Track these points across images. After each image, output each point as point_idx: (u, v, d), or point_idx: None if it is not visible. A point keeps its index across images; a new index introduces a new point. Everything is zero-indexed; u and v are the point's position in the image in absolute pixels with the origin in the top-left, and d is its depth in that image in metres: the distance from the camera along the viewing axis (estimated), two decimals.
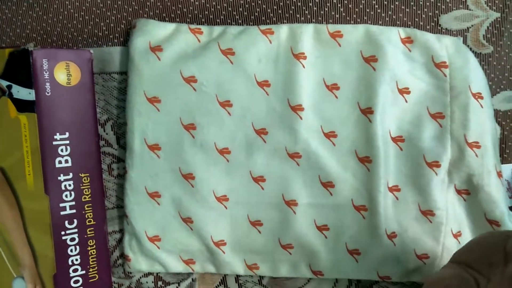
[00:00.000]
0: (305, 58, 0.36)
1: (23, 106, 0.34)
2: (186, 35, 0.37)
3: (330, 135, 0.36)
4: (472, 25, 0.37)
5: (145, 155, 0.37)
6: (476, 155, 0.35)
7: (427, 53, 0.35)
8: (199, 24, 0.38)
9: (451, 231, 0.36)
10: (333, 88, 0.36)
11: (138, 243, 0.38)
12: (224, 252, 0.37)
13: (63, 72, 0.35)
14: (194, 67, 0.36)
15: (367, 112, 0.35)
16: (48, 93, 0.34)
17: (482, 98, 0.35)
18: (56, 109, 0.35)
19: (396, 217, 0.36)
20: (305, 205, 0.37)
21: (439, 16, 0.37)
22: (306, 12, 0.38)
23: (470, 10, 0.37)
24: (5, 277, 0.37)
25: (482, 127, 0.35)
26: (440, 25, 0.37)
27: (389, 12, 0.38)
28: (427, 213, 0.36)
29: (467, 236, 0.37)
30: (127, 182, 0.37)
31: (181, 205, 0.37)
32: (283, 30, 0.36)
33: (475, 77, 0.35)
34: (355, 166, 0.36)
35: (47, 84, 0.34)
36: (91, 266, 0.37)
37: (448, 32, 0.37)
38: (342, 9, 0.38)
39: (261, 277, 0.40)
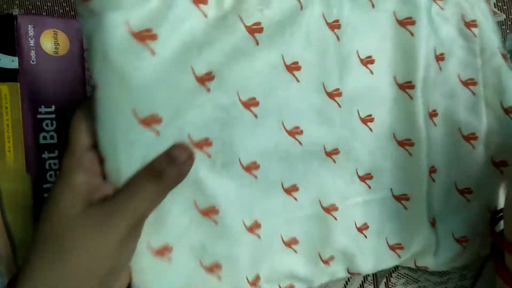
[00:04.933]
0: (339, 27, 0.29)
1: (5, 75, 0.31)
2: (186, 8, 0.24)
3: (367, 120, 0.31)
4: None
5: None
6: None
7: (458, 11, 0.32)
8: None
9: (487, 208, 0.33)
10: (368, 62, 0.30)
11: None
12: None
13: (50, 40, 0.32)
14: (210, 58, 0.25)
15: (406, 87, 0.30)
16: (33, 61, 0.31)
17: (506, 58, 0.32)
18: (42, 79, 0.32)
19: (435, 202, 0.32)
20: (346, 207, 0.31)
21: None
22: None
23: None
24: None
25: None
26: None
27: None
28: (465, 192, 0.32)
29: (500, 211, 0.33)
30: None
31: (204, 252, 0.27)
32: None
33: (499, 37, 0.32)
34: (395, 151, 0.31)
35: (32, 52, 0.31)
36: None
37: None
38: None
39: None
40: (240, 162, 0.27)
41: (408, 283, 0.35)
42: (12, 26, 0.31)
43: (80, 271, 0.23)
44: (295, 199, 0.29)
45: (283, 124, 0.28)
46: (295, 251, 0.30)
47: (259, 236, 0.29)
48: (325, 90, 0.29)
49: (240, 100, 0.27)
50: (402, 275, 0.35)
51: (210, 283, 0.28)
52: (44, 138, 0.32)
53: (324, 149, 0.30)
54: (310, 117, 0.29)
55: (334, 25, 0.29)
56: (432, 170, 0.31)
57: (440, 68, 0.31)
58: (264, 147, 0.28)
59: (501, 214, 0.31)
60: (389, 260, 0.32)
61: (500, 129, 0.32)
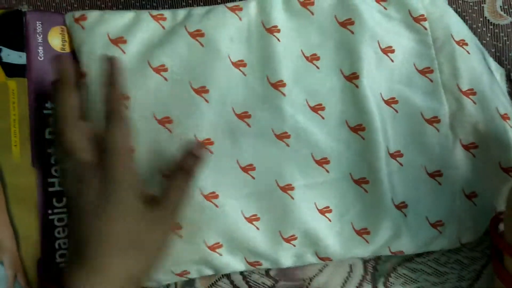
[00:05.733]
0: (278, 31, 0.34)
1: (12, 70, 0.31)
2: (149, 23, 0.34)
3: (317, 108, 0.34)
4: None
5: None
6: (474, 103, 0.33)
7: (403, 9, 0.34)
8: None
9: (463, 192, 0.34)
10: (313, 59, 0.34)
11: None
12: (221, 254, 0.33)
13: (57, 37, 0.33)
14: (162, 55, 0.33)
15: (352, 78, 0.34)
16: (40, 57, 0.32)
17: (466, 44, 0.34)
18: (49, 75, 0.32)
19: (403, 185, 0.34)
20: (302, 188, 0.33)
21: None
22: None
23: None
24: None
25: (474, 73, 0.33)
26: None
27: None
28: (435, 175, 0.33)
29: (483, 196, 0.34)
30: None
31: None
32: (251, 5, 0.34)
33: (456, 25, 0.34)
34: (348, 137, 0.34)
35: (40, 48, 0.32)
36: None
37: (465, 3, 0.36)
38: None
39: (268, 268, 0.36)
40: (195, 138, 0.33)
41: (406, 283, 0.36)
42: (20, 22, 0.32)
43: (149, 258, 0.29)
44: (252, 177, 0.33)
45: (232, 109, 0.33)
46: (257, 228, 0.33)
47: (217, 205, 0.33)
48: (269, 82, 0.33)
49: (192, 87, 0.33)
50: (401, 275, 0.35)
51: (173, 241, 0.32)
52: (50, 133, 0.32)
53: (273, 132, 0.33)
54: (255, 104, 0.33)
55: (274, 29, 0.33)
56: (398, 154, 0.34)
57: (392, 60, 0.34)
58: (215, 124, 0.33)
59: (502, 216, 0.32)
60: (358, 246, 0.33)
61: (461, 112, 0.33)
